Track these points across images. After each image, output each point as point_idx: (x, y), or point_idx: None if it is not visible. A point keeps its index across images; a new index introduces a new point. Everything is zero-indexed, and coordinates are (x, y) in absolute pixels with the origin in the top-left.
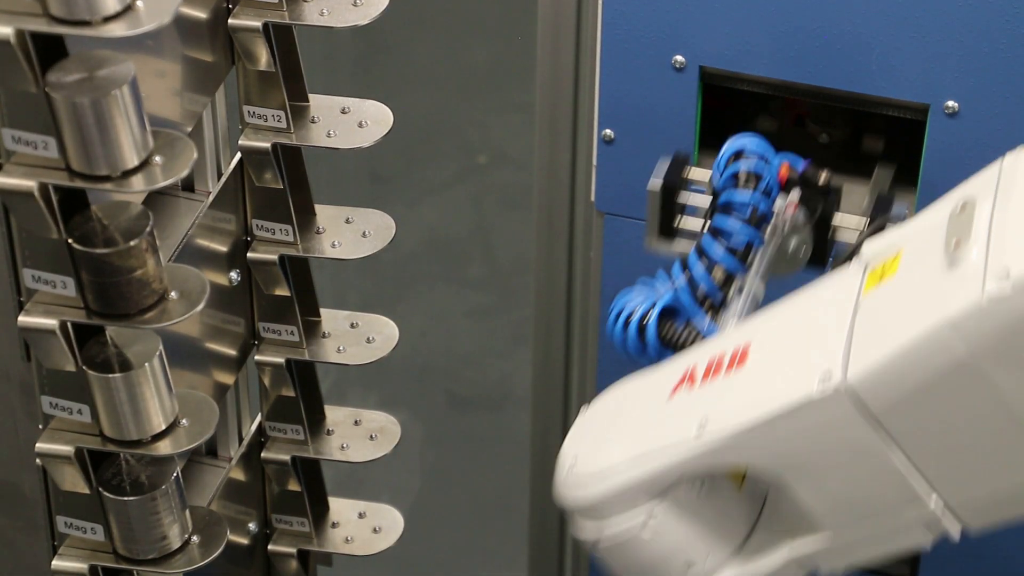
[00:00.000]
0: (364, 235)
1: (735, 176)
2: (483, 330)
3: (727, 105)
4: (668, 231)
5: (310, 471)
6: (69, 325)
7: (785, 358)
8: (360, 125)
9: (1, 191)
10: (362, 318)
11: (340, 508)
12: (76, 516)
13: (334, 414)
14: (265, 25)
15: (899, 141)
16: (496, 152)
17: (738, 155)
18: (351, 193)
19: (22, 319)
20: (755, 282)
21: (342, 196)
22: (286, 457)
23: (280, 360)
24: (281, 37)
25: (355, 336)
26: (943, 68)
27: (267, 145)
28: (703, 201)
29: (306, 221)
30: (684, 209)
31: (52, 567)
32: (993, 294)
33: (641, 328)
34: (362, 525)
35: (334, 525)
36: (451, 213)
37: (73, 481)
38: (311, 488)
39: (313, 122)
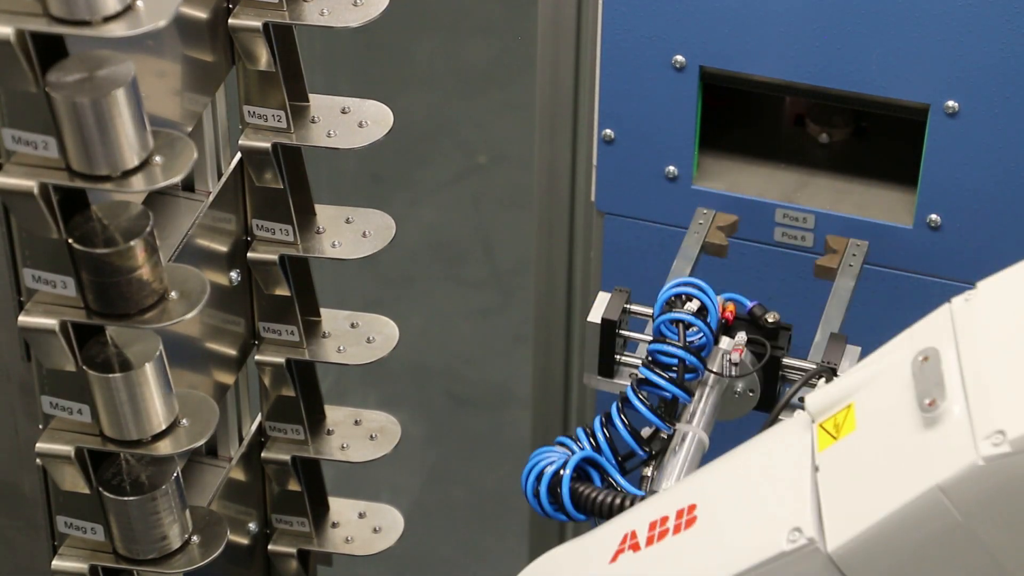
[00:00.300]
0: (364, 235)
1: (668, 324)
2: (483, 330)
3: (727, 105)
4: (608, 369)
5: (310, 471)
6: (69, 325)
7: (742, 516)
8: (360, 125)
9: (1, 191)
10: (362, 318)
11: (340, 508)
12: (76, 516)
13: (334, 414)
14: (265, 25)
15: (899, 141)
16: (496, 152)
17: (678, 300)
18: (351, 193)
19: (22, 319)
20: (699, 431)
21: (342, 196)
22: (286, 457)
23: (280, 360)
24: (281, 37)
25: (355, 336)
26: (943, 68)
27: (267, 145)
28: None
29: (306, 221)
30: (626, 344)
31: (52, 567)
32: (989, 455)
33: (554, 486)
34: (362, 525)
35: (334, 525)
36: (451, 213)
37: (73, 481)
38: (311, 488)
39: (313, 122)
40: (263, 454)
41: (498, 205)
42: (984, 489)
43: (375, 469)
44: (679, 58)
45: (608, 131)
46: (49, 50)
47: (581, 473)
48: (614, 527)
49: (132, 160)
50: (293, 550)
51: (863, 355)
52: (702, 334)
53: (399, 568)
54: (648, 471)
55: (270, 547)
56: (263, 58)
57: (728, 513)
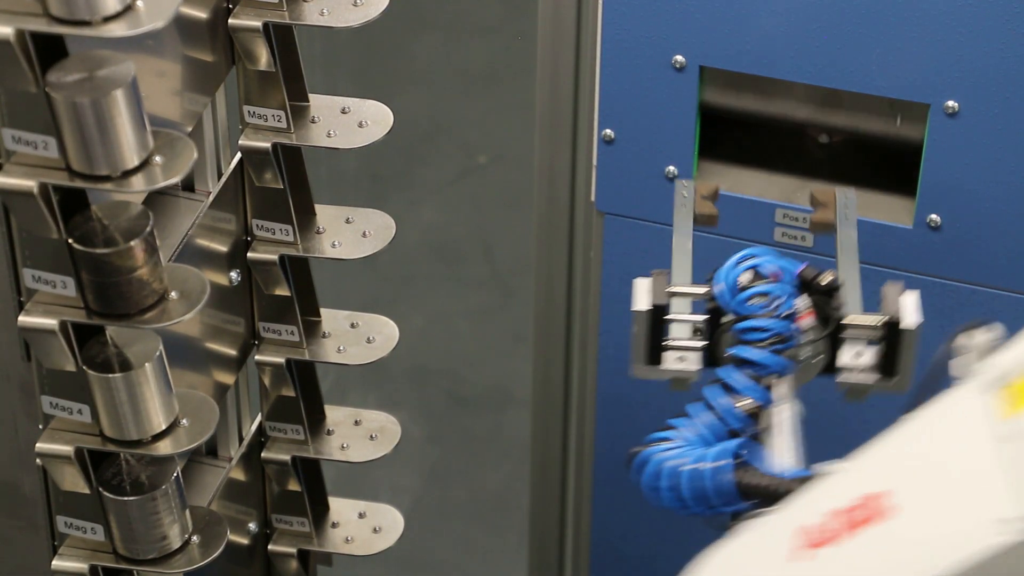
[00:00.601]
0: (364, 235)
1: (752, 298)
2: (483, 330)
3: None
4: (656, 356)
5: (310, 471)
6: (69, 325)
7: (937, 509)
8: (360, 125)
9: (1, 191)
10: (362, 318)
11: (340, 508)
12: (76, 516)
13: (334, 414)
14: (265, 25)
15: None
16: (496, 152)
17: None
18: (351, 193)
19: (22, 319)
20: (794, 402)
21: (342, 196)
22: (286, 457)
23: (280, 360)
24: (281, 37)
25: (355, 336)
26: (943, 68)
27: (267, 145)
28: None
29: (306, 221)
30: (667, 328)
31: (52, 567)
32: None
33: (717, 479)
34: (362, 525)
35: (334, 525)
36: (451, 213)
37: (73, 481)
38: (311, 488)
39: (313, 122)
40: (263, 454)
41: (498, 205)
42: None
43: (375, 469)
44: (679, 58)
45: (608, 131)
46: (49, 50)
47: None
48: (782, 518)
49: (132, 160)
50: (293, 550)
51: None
52: (788, 299)
53: (399, 568)
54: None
55: (270, 547)
56: (263, 58)
57: (926, 501)
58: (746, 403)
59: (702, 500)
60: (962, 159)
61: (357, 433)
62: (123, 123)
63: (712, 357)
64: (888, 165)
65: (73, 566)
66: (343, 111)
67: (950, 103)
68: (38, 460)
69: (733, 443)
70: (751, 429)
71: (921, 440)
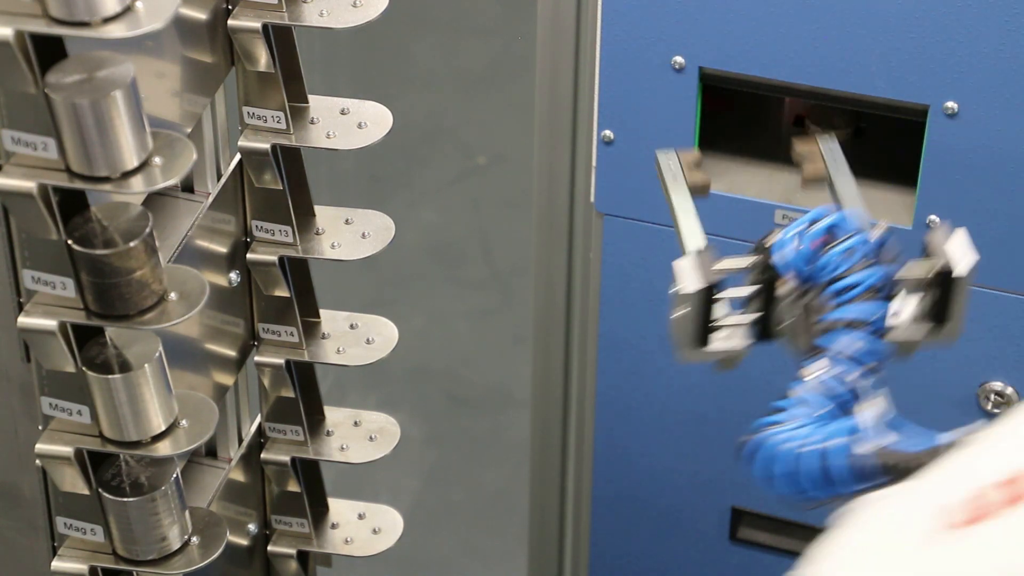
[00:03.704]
0: (364, 236)
1: (838, 255)
2: (483, 330)
3: (727, 105)
4: (703, 339)
5: (310, 472)
6: (69, 326)
7: None
8: (359, 126)
9: (1, 192)
10: (361, 319)
11: (340, 509)
12: (76, 517)
13: (334, 415)
14: (264, 26)
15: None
16: (496, 153)
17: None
18: (351, 194)
19: (22, 320)
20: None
21: (342, 197)
22: (286, 458)
23: (280, 361)
24: (280, 38)
25: (355, 337)
26: (943, 68)
27: (267, 146)
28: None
29: (305, 222)
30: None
31: (52, 568)
32: None
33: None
34: (362, 526)
35: (334, 526)
36: (451, 213)
37: (73, 482)
38: (311, 489)
39: (312, 123)
40: (262, 455)
41: (498, 206)
42: None
43: (375, 470)
44: (679, 58)
45: (608, 132)
46: (48, 51)
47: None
48: (925, 493)
49: (131, 161)
50: (292, 551)
51: None
52: (870, 247)
53: (399, 569)
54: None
55: (269, 548)
56: (262, 59)
57: None
58: (859, 371)
59: (824, 483)
60: (962, 159)
61: (357, 434)
62: (122, 124)
63: (765, 330)
64: (888, 165)
65: (73, 567)
66: (342, 112)
67: (950, 103)
68: (38, 461)
69: (852, 420)
70: (863, 397)
71: None
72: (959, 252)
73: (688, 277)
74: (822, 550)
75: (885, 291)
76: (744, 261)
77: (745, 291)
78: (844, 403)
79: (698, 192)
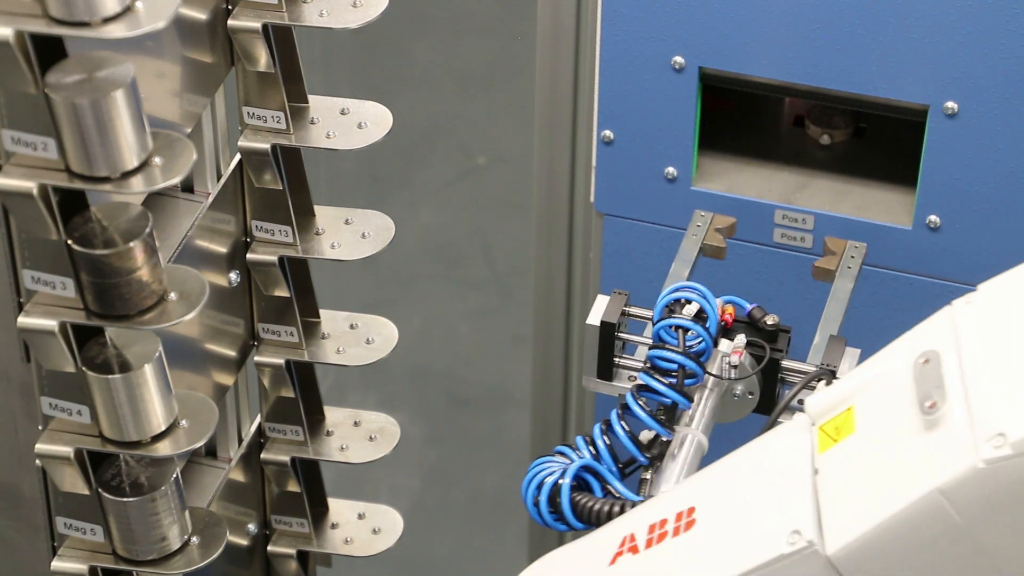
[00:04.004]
0: (363, 236)
1: (667, 329)
2: (483, 330)
3: (727, 106)
4: (607, 372)
5: (309, 472)
6: (68, 326)
7: (741, 519)
8: (359, 126)
9: (1, 192)
10: (361, 319)
11: (339, 509)
12: (76, 517)
13: (333, 415)
14: (264, 26)
15: (898, 141)
16: (496, 153)
17: (676, 304)
18: (350, 194)
19: (22, 320)
20: (698, 434)
21: (341, 197)
22: (285, 458)
23: (279, 361)
24: (280, 38)
25: (354, 337)
26: (943, 68)
27: (266, 146)
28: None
29: (305, 222)
30: (624, 346)
31: (52, 568)
32: (990, 458)
33: (553, 496)
34: (362, 526)
35: (333, 526)
36: (451, 213)
37: (73, 482)
38: (310, 489)
39: (312, 123)
40: (262, 455)
41: (497, 206)
42: (984, 492)
43: (374, 470)
44: (678, 59)
45: (607, 132)
46: (48, 51)
47: (581, 482)
48: (613, 529)
49: (131, 161)
50: (292, 551)
51: (863, 357)
52: (701, 339)
53: (398, 569)
54: (647, 475)
55: (269, 548)
56: (262, 59)
57: (727, 516)
58: (643, 432)
59: (556, 517)
60: (962, 159)
61: (356, 434)
62: (122, 124)
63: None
64: (888, 165)
65: (73, 567)
66: (342, 112)
67: (950, 104)
68: (38, 461)
69: (579, 463)
70: (642, 459)
71: (749, 462)
72: (849, 363)
73: (595, 312)
74: None
75: (693, 379)
76: (645, 311)
77: (632, 337)
78: (631, 451)
79: (709, 252)
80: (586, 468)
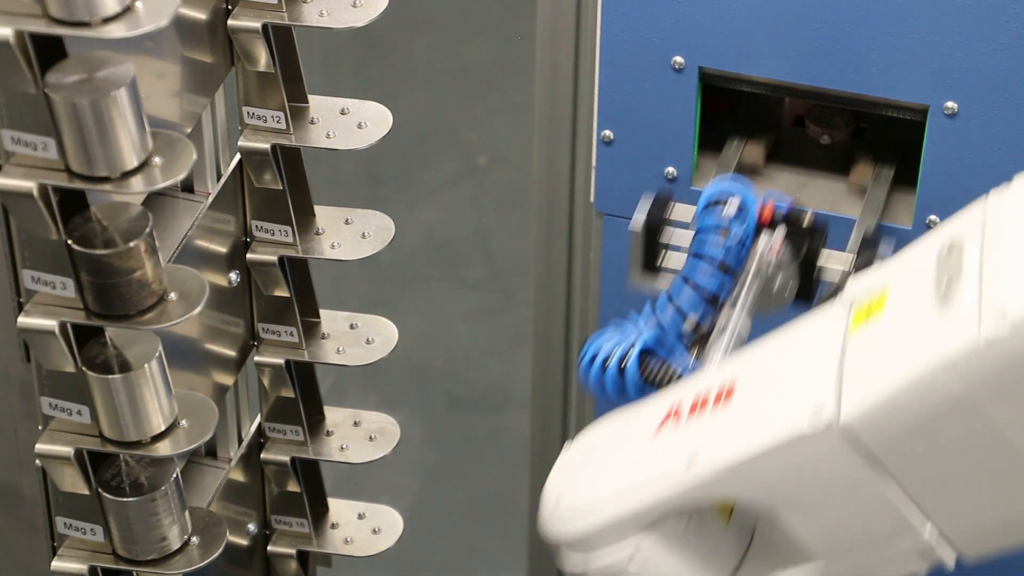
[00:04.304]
0: (363, 236)
1: (710, 223)
2: (483, 330)
3: (727, 105)
4: (651, 268)
5: (309, 472)
6: (68, 326)
7: (773, 395)
8: (359, 126)
9: (1, 192)
10: (361, 319)
11: (339, 509)
12: (75, 517)
13: (333, 415)
14: (264, 26)
15: (899, 141)
16: (495, 152)
17: (718, 199)
18: (350, 194)
19: (22, 320)
20: (740, 320)
21: (341, 197)
22: (285, 458)
23: (279, 361)
24: (280, 38)
25: (354, 337)
26: (943, 68)
27: (266, 146)
28: (686, 238)
29: (305, 222)
30: (668, 246)
31: (52, 568)
32: (990, 334)
33: (620, 369)
34: (362, 526)
35: (333, 526)
36: (451, 213)
37: (73, 482)
38: (310, 489)
39: (312, 123)
40: (262, 455)
41: (498, 206)
42: (988, 367)
43: (374, 470)
44: (679, 59)
45: (607, 132)
46: (48, 51)
47: (646, 354)
48: (662, 400)
49: (131, 161)
50: (292, 551)
51: None
52: (742, 232)
53: (399, 569)
54: (691, 360)
55: (269, 548)
56: (262, 59)
57: (760, 392)
58: (689, 317)
59: (620, 389)
60: (962, 159)
61: (356, 434)
62: (122, 124)
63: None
64: (888, 165)
65: (72, 567)
66: (342, 112)
67: (950, 103)
68: (37, 461)
69: (646, 335)
70: (690, 339)
71: (788, 340)
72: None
73: (637, 216)
74: (557, 463)
75: (732, 269)
76: (688, 209)
77: (678, 234)
78: (673, 336)
79: (747, 169)
80: (653, 339)
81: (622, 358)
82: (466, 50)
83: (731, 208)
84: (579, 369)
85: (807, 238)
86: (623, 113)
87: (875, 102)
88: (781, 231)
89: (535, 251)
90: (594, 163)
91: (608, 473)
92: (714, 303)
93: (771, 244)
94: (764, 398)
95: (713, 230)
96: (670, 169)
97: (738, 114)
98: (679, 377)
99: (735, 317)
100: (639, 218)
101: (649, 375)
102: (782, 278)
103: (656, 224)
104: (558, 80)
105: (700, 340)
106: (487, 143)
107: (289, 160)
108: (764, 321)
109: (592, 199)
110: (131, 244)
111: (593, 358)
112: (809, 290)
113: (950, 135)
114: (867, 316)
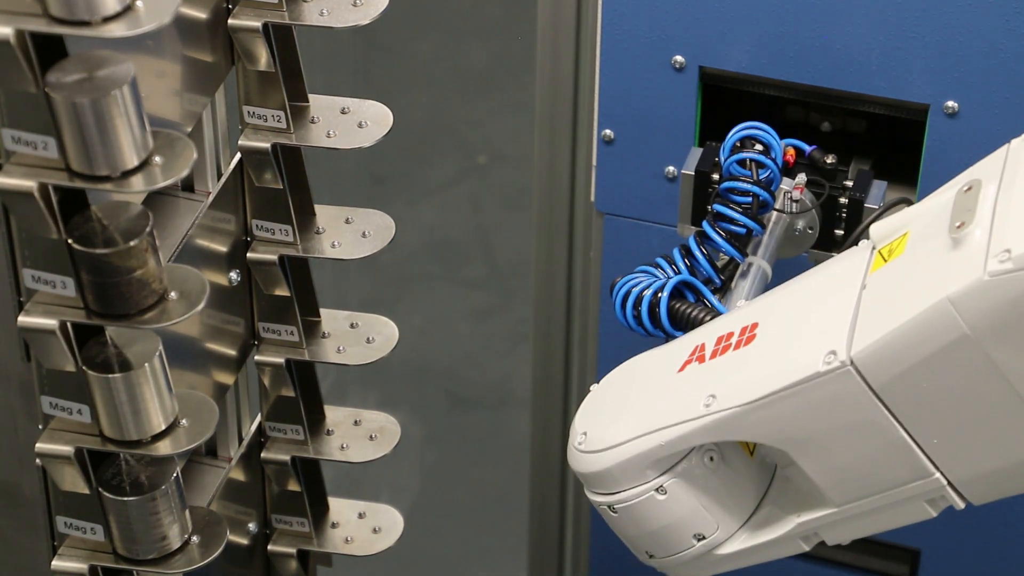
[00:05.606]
0: (364, 235)
1: (738, 164)
2: (483, 330)
3: (727, 105)
4: (699, 219)
5: (310, 471)
6: (69, 325)
7: (792, 336)
8: (360, 125)
9: (1, 191)
10: (362, 318)
11: (340, 508)
12: (76, 516)
13: (334, 414)
14: (265, 25)
15: (898, 141)
16: (496, 152)
17: (744, 143)
18: (351, 193)
19: (22, 319)
20: (763, 263)
21: (342, 196)
22: (286, 457)
23: (280, 360)
24: (281, 37)
25: (355, 336)
26: (943, 68)
27: (267, 145)
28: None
29: (306, 221)
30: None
31: (52, 567)
32: (994, 272)
33: (652, 308)
34: (362, 525)
35: (334, 525)
36: (451, 213)
37: (73, 481)
38: (311, 488)
39: (313, 122)
40: (263, 454)
41: (498, 205)
42: (990, 304)
43: (375, 469)
44: (679, 58)
45: (608, 131)
46: (49, 50)
47: (676, 293)
48: (688, 340)
49: (132, 160)
50: (293, 550)
51: None
52: (770, 171)
53: (399, 568)
54: (717, 298)
55: (270, 547)
56: (263, 58)
57: (782, 332)
58: (720, 258)
59: (654, 324)
60: (962, 159)
61: (357, 433)
62: (123, 123)
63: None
64: (888, 165)
65: (73, 566)
66: (343, 111)
67: (950, 103)
68: (38, 460)
69: (679, 278)
70: (718, 281)
71: (810, 282)
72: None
73: (690, 162)
74: (586, 400)
75: (764, 208)
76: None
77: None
78: (706, 275)
79: None
80: (682, 282)
81: (653, 298)
82: (466, 50)
83: (757, 149)
84: (615, 309)
85: (828, 182)
86: (623, 112)
87: (875, 101)
88: (803, 175)
89: (535, 251)
90: (594, 162)
91: (632, 411)
92: (744, 243)
93: (793, 187)
94: (783, 339)
95: (740, 171)
96: (670, 168)
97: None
98: (707, 318)
99: (759, 260)
100: (690, 165)
101: (678, 316)
102: (804, 221)
103: (708, 170)
104: (558, 80)
105: (728, 281)
106: (487, 143)
107: (289, 159)
108: (785, 266)
109: (592, 198)
110: (131, 243)
111: (625, 297)
112: (831, 234)
113: (950, 135)
114: (887, 258)
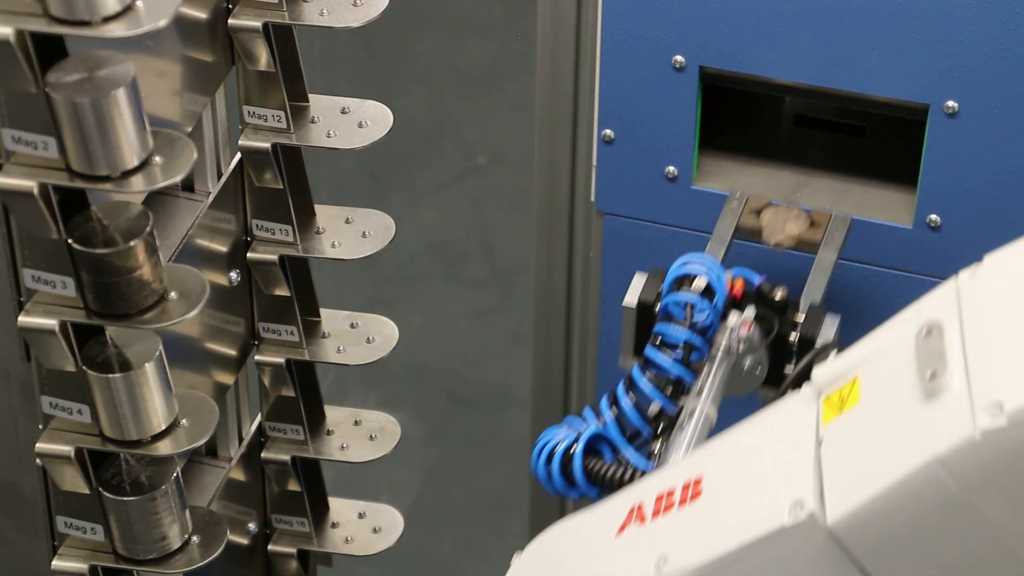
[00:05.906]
0: (364, 235)
1: (674, 303)
2: (483, 330)
3: (727, 105)
4: (642, 350)
5: (310, 471)
6: (69, 325)
7: (745, 489)
8: (360, 125)
9: (1, 191)
10: (362, 318)
11: (340, 508)
12: (76, 516)
13: (334, 414)
14: (265, 25)
15: (898, 140)
16: (496, 152)
17: (685, 279)
18: (351, 193)
19: (22, 319)
20: (706, 407)
21: (342, 196)
22: (286, 457)
23: (280, 360)
24: (281, 37)
25: (355, 336)
26: (943, 68)
27: (267, 145)
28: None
29: (306, 221)
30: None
31: (52, 567)
32: (987, 428)
33: (566, 463)
34: (362, 525)
35: (334, 525)
36: (451, 213)
37: (73, 481)
38: (311, 488)
39: (313, 122)
40: (263, 454)
41: (498, 205)
42: (982, 462)
43: (375, 469)
44: (679, 58)
45: (608, 131)
46: (49, 50)
47: (592, 449)
48: (621, 500)
49: (132, 160)
50: (293, 550)
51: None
52: (708, 313)
53: (399, 568)
54: (656, 447)
55: (270, 547)
56: (263, 58)
57: (732, 486)
58: (652, 405)
59: (568, 484)
60: (962, 159)
61: (357, 433)
62: (123, 123)
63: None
64: (888, 165)
65: (73, 566)
66: (343, 111)
67: (950, 103)
68: (38, 460)
69: (591, 431)
70: (647, 430)
71: (756, 431)
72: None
73: (632, 293)
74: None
75: (696, 352)
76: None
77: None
78: (635, 425)
79: (744, 233)
80: (597, 436)
81: (566, 451)
82: (466, 50)
83: (697, 287)
84: (531, 463)
85: (777, 317)
86: (624, 112)
87: (875, 102)
88: (751, 310)
89: (535, 251)
90: (594, 162)
91: None
92: (678, 388)
93: (740, 323)
94: (737, 493)
95: (677, 311)
96: (670, 168)
97: (738, 113)
98: (628, 477)
99: (701, 404)
100: (632, 298)
101: (592, 471)
102: (752, 359)
103: (651, 303)
104: (558, 80)
105: (665, 429)
106: (487, 143)
107: (289, 159)
108: (730, 407)
109: (592, 198)
110: (131, 243)
111: (542, 451)
112: (780, 373)
113: (950, 134)
114: (840, 407)
